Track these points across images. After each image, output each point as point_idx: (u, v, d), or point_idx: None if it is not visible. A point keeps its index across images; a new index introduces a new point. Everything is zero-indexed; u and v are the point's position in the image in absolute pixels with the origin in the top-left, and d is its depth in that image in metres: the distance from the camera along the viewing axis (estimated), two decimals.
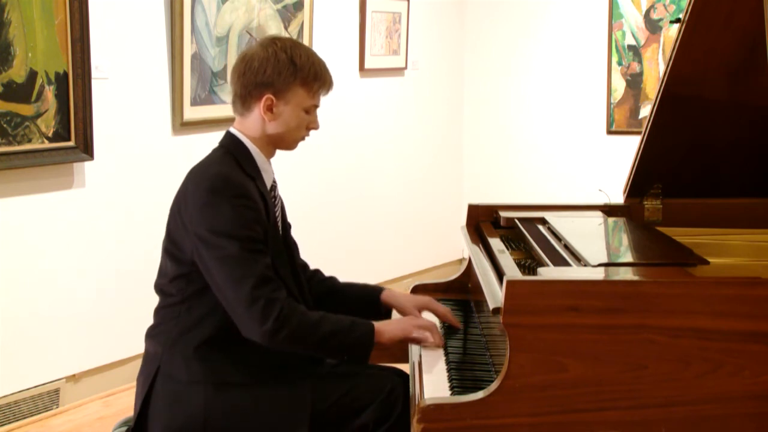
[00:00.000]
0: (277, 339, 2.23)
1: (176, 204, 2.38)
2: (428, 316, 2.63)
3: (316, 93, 2.42)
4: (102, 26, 4.06)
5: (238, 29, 4.67)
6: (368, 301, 2.66)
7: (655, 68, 5.78)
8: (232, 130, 2.45)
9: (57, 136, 3.89)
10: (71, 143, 3.94)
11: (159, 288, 2.44)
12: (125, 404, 4.04)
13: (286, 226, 2.58)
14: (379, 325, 2.38)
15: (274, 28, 4.87)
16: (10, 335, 3.84)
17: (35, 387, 3.95)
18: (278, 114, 2.39)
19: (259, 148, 2.43)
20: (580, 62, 6.06)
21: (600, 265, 2.16)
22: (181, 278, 2.35)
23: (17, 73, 3.73)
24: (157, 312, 2.44)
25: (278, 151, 2.50)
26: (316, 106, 2.45)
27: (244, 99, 2.40)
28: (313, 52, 2.43)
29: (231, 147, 2.42)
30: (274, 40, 2.41)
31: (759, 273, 2.16)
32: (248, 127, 2.42)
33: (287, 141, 2.45)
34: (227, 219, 2.25)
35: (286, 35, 4.83)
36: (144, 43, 4.28)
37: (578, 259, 2.25)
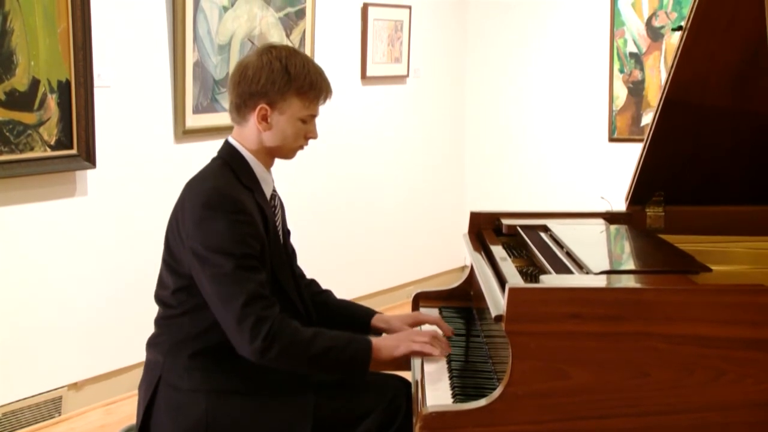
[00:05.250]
0: (268, 357, 2.20)
1: (174, 217, 2.37)
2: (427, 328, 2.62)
3: (312, 103, 2.38)
4: (104, 34, 4.07)
5: (240, 37, 4.68)
6: (359, 323, 2.61)
7: (657, 76, 5.78)
8: (231, 139, 2.43)
9: (59, 145, 3.89)
10: (73, 151, 3.95)
11: (159, 299, 2.43)
12: (127, 412, 4.04)
13: (286, 233, 2.57)
14: (378, 342, 2.34)
15: (276, 36, 4.88)
16: (11, 343, 3.84)
17: (37, 395, 3.95)
18: (273, 124, 2.36)
19: (258, 158, 2.40)
20: (582, 70, 6.06)
21: (602, 272, 2.15)
22: (181, 291, 2.34)
23: (20, 81, 3.73)
24: (158, 322, 2.43)
25: (279, 159, 2.49)
26: (314, 116, 2.41)
27: (240, 108, 2.38)
28: (310, 61, 2.40)
29: (229, 158, 2.39)
30: (271, 49, 2.39)
31: (761, 280, 2.16)
32: (246, 137, 2.40)
33: (284, 151, 2.42)
34: (222, 235, 2.23)
35: (288, 43, 4.84)
36: (146, 51, 4.28)
37: (580, 266, 2.24)
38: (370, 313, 2.64)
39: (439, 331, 2.51)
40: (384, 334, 2.55)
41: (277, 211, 2.48)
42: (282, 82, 2.33)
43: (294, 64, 2.35)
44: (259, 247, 2.29)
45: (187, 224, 2.29)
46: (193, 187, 2.36)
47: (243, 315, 2.20)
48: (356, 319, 2.62)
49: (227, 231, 2.24)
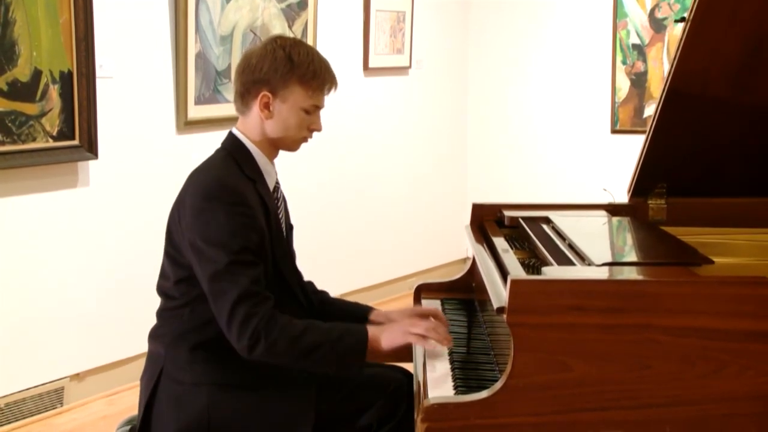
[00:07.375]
0: (255, 354, 2.19)
1: (176, 208, 2.36)
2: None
3: (315, 92, 2.37)
4: (106, 25, 4.07)
5: (242, 28, 4.67)
6: (357, 320, 2.54)
7: (660, 67, 5.77)
8: (234, 130, 2.42)
9: (61, 135, 3.89)
10: (75, 142, 3.95)
11: (161, 290, 2.42)
12: (129, 403, 4.05)
13: (289, 228, 2.56)
14: (374, 332, 2.29)
15: (279, 27, 4.87)
16: (14, 334, 3.84)
17: (39, 386, 3.96)
18: (275, 112, 2.36)
19: (261, 149, 2.40)
20: (585, 61, 6.05)
21: (604, 264, 2.15)
22: (183, 282, 2.34)
23: (22, 72, 3.73)
24: (160, 313, 2.43)
25: (281, 151, 2.48)
26: (318, 107, 2.40)
27: (243, 97, 2.38)
28: (315, 51, 2.40)
29: (232, 149, 2.39)
30: (276, 39, 2.39)
31: (763, 272, 2.16)
32: (249, 128, 2.40)
33: (287, 142, 2.41)
34: (220, 227, 2.22)
35: (290, 34, 4.83)
36: (148, 42, 4.28)
37: (582, 258, 2.24)
38: (368, 309, 2.61)
39: (437, 321, 2.43)
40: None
41: (279, 204, 2.47)
42: (284, 70, 2.33)
43: (298, 52, 2.35)
44: (258, 240, 2.27)
45: (187, 215, 2.28)
46: (195, 177, 2.36)
47: (233, 312, 2.18)
48: (354, 316, 2.57)
49: (226, 223, 2.23)
